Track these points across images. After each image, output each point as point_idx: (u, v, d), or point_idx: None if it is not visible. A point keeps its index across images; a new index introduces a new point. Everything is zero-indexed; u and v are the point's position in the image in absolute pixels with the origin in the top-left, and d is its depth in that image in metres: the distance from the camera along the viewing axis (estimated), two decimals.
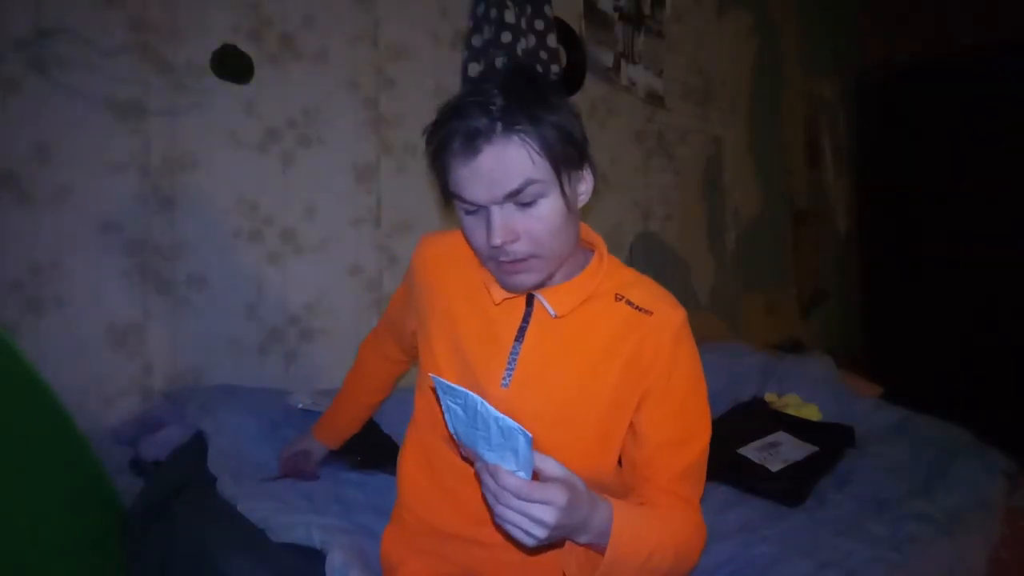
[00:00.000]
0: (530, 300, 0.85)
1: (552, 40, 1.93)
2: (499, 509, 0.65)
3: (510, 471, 0.64)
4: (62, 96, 1.26)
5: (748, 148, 3.13)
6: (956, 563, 1.16)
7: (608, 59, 2.33)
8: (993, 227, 3.55)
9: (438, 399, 0.69)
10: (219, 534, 0.98)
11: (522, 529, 0.64)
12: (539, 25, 1.90)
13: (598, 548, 0.71)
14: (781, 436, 1.59)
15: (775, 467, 1.44)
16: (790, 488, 1.37)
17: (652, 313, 0.84)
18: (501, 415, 0.61)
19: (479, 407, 0.63)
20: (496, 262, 0.78)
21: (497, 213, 0.74)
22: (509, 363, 0.83)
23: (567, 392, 0.82)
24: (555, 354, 0.83)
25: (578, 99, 2.20)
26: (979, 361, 3.50)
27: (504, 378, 0.83)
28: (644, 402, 0.82)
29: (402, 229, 1.77)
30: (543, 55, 1.90)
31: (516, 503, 0.64)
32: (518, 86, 0.75)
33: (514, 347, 0.84)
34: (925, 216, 3.84)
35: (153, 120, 1.37)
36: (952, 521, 1.25)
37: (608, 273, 0.86)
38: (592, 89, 2.26)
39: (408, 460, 0.95)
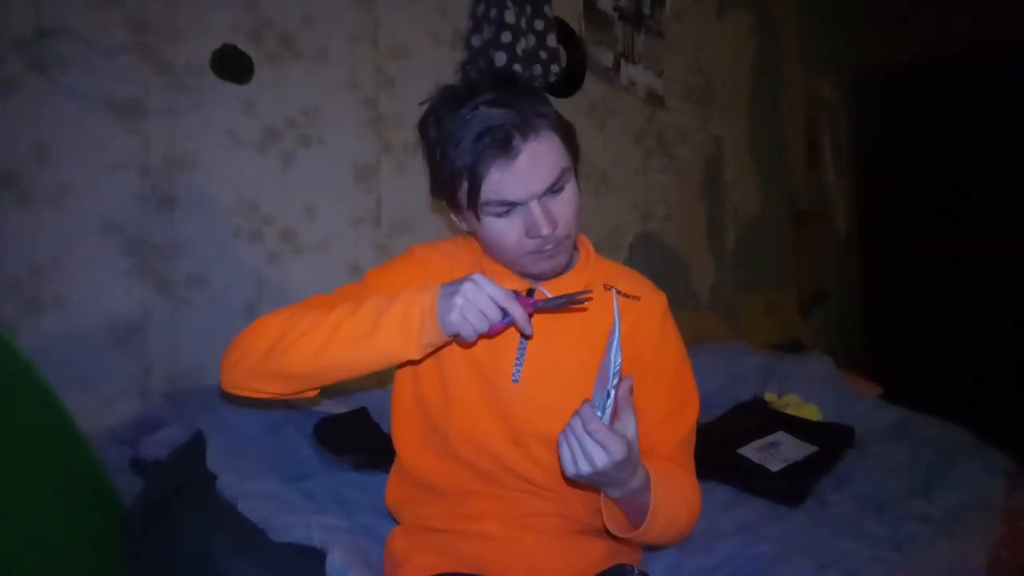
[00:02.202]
0: (529, 295, 0.87)
1: (552, 40, 1.93)
2: (566, 429, 0.70)
3: (591, 406, 0.70)
4: (62, 96, 1.26)
5: (748, 148, 3.13)
6: (956, 563, 1.17)
7: (608, 59, 2.33)
8: (993, 227, 3.55)
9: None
10: (219, 534, 0.99)
11: (572, 456, 0.69)
12: (539, 25, 1.90)
13: (626, 502, 0.78)
14: (781, 436, 1.59)
15: (775, 467, 1.44)
16: (790, 488, 1.37)
17: (640, 298, 0.92)
18: (616, 358, 0.69)
19: (614, 339, 0.70)
20: (532, 255, 0.81)
21: (536, 207, 0.77)
22: (517, 358, 0.86)
23: (575, 380, 0.85)
24: (560, 344, 0.87)
25: (578, 99, 2.20)
26: (979, 361, 3.50)
27: (514, 373, 0.86)
28: (641, 380, 0.87)
29: (402, 229, 1.77)
30: (543, 55, 1.90)
31: (579, 431, 0.68)
32: (510, 84, 0.78)
33: (521, 342, 0.86)
34: (925, 216, 3.84)
35: (153, 120, 1.37)
36: (952, 521, 1.25)
37: (595, 266, 0.92)
38: (592, 89, 2.26)
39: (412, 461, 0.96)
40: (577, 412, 0.69)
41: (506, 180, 0.75)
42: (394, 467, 1.00)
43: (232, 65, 1.44)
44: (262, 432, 1.26)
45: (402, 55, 1.77)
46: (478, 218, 0.80)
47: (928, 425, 1.72)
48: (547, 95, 0.81)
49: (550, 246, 0.80)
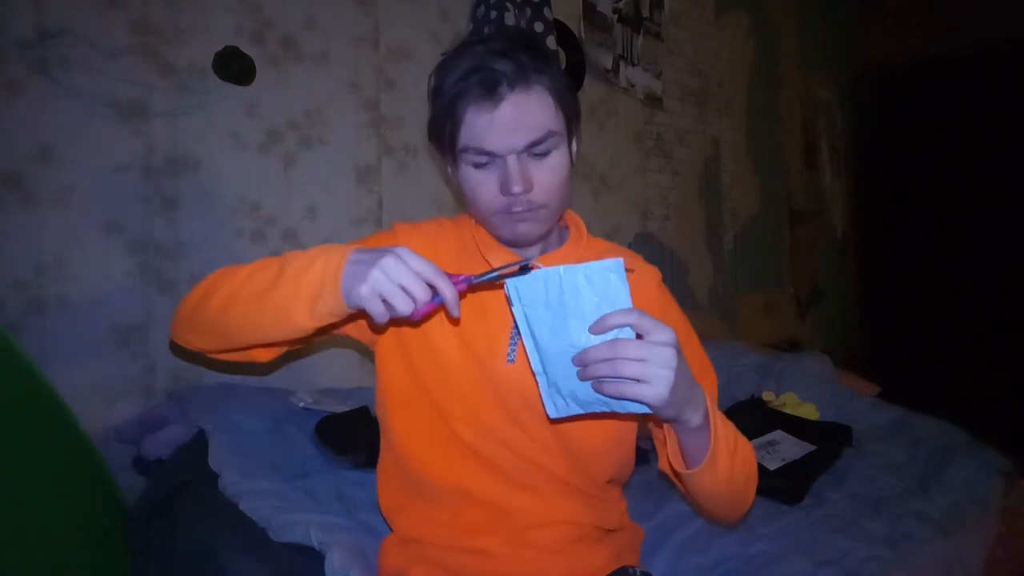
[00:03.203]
0: (524, 271, 0.85)
1: (552, 42, 1.94)
2: (617, 364, 0.61)
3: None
4: (65, 97, 1.26)
5: (746, 149, 3.15)
6: (953, 562, 1.17)
7: (607, 61, 2.34)
8: (990, 227, 3.56)
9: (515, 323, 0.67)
10: (222, 533, 0.99)
11: (646, 380, 0.61)
12: (539, 27, 1.91)
13: (689, 438, 0.72)
14: (779, 435, 1.60)
15: (773, 466, 1.45)
16: (788, 487, 1.38)
17: (633, 271, 0.87)
18: (586, 264, 0.62)
19: (562, 275, 0.62)
20: (505, 214, 0.78)
21: (514, 162, 0.74)
22: (512, 338, 0.83)
23: None
24: None
25: None
26: (976, 360, 3.51)
27: (509, 354, 0.83)
28: None
29: None
30: None
31: (633, 349, 0.61)
32: (525, 41, 0.76)
33: (514, 321, 0.83)
34: (922, 216, 3.86)
35: (156, 121, 1.37)
36: (949, 520, 1.25)
37: (587, 243, 0.90)
38: (591, 90, 2.27)
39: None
40: (611, 324, 0.62)
41: (484, 125, 0.73)
42: (384, 471, 0.95)
43: (234, 67, 1.45)
44: (264, 431, 1.26)
45: (403, 57, 1.77)
46: (457, 164, 0.78)
47: (925, 424, 1.72)
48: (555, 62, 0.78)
49: (520, 208, 0.76)
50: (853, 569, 1.09)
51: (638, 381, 0.61)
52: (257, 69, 1.49)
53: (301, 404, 1.37)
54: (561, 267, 0.63)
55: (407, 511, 0.90)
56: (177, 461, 1.21)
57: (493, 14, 1.80)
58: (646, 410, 0.65)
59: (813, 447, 1.54)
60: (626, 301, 0.62)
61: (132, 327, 1.35)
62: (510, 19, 1.81)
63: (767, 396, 1.88)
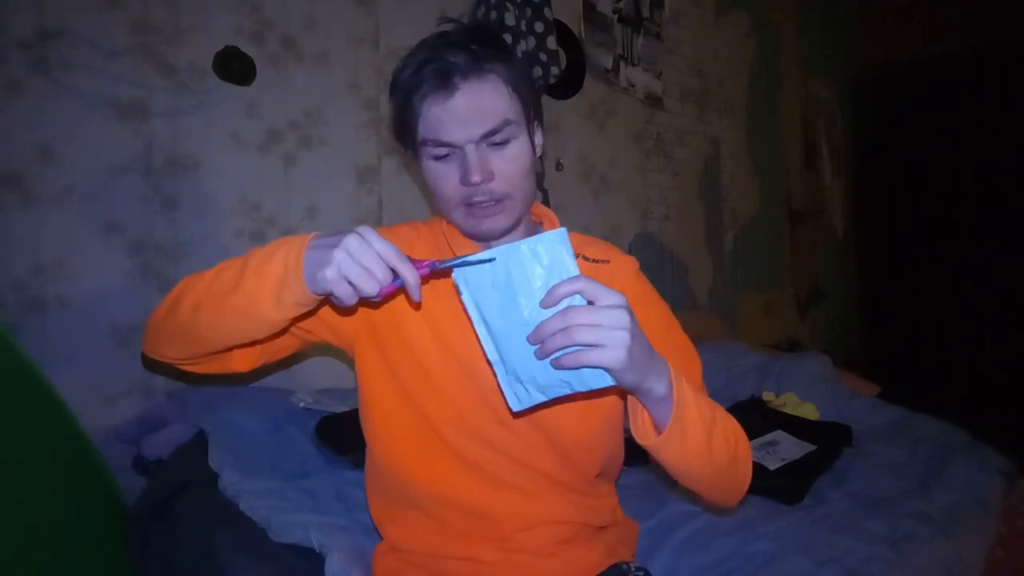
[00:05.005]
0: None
1: (552, 42, 1.94)
2: (572, 332, 0.61)
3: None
4: (65, 97, 1.26)
5: (746, 149, 3.15)
6: (953, 562, 1.17)
7: (607, 61, 2.34)
8: (990, 227, 3.57)
9: (466, 311, 0.66)
10: (222, 532, 0.99)
11: (602, 344, 0.61)
12: (539, 27, 1.91)
13: (657, 408, 0.70)
14: (779, 435, 1.60)
15: (773, 466, 1.45)
16: (788, 486, 1.38)
17: (609, 261, 0.89)
18: (529, 238, 0.62)
19: (509, 254, 0.62)
20: (467, 207, 0.78)
21: (473, 152, 0.75)
22: None
23: None
24: None
25: (578, 100, 2.21)
26: (976, 360, 3.51)
27: None
28: None
29: None
30: (543, 57, 1.91)
31: (585, 315, 0.61)
32: (480, 33, 0.79)
33: None
34: (922, 216, 3.86)
35: (155, 121, 1.37)
36: (949, 520, 1.25)
37: None
38: (591, 90, 2.27)
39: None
40: (560, 293, 0.62)
41: (440, 116, 0.74)
42: (370, 484, 0.94)
43: (234, 67, 1.45)
44: (264, 431, 1.26)
45: (403, 57, 1.77)
46: (419, 159, 0.79)
47: (925, 424, 1.73)
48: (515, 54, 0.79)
49: (481, 198, 0.76)
50: (853, 569, 1.09)
51: (595, 347, 0.61)
52: (257, 69, 1.49)
53: (301, 404, 1.37)
54: (505, 245, 0.63)
55: (395, 522, 0.90)
56: (177, 461, 1.21)
57: (493, 15, 1.80)
58: (609, 382, 0.65)
59: (813, 447, 1.54)
60: (573, 270, 0.63)
61: (132, 327, 1.35)
62: (510, 19, 1.81)
63: (767, 396, 1.88)
